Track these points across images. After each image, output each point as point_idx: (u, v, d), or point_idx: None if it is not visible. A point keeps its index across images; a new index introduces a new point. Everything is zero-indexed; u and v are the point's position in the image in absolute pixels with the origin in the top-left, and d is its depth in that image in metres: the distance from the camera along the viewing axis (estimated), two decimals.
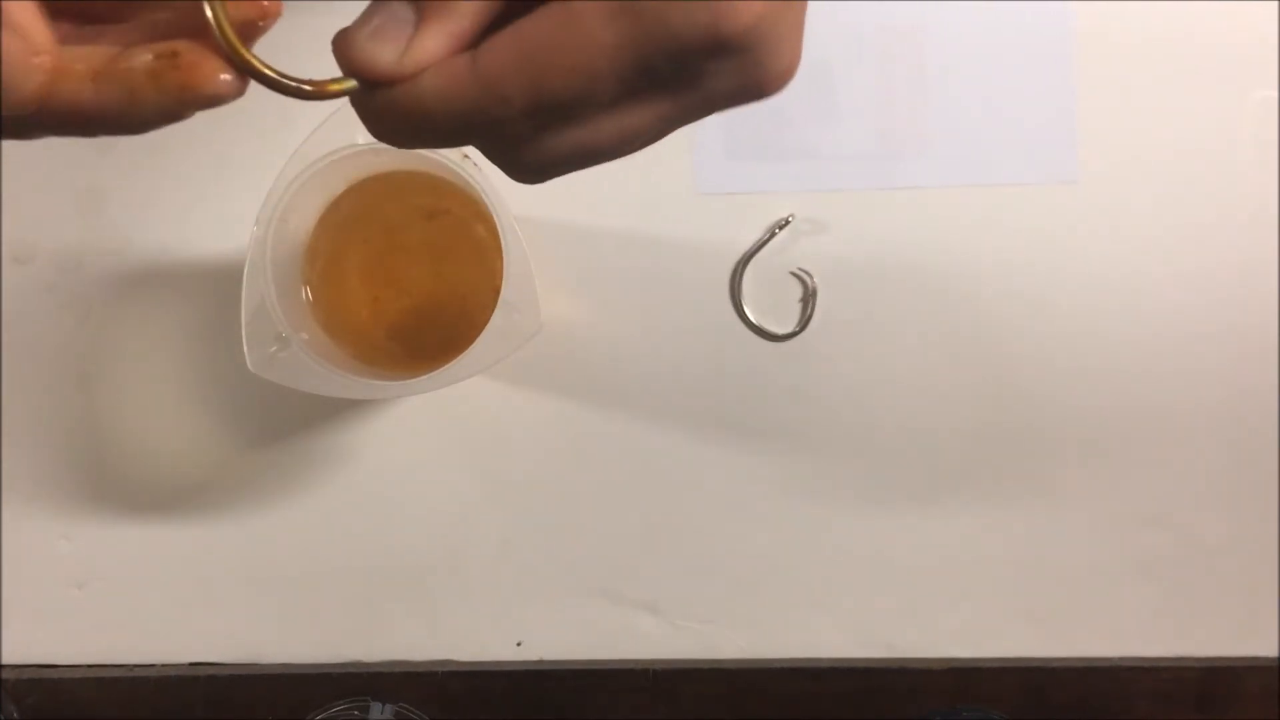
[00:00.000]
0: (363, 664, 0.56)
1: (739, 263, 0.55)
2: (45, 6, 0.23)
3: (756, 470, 0.55)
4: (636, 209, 0.55)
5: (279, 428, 0.56)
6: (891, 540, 0.55)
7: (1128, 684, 0.55)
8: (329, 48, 0.24)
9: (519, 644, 0.56)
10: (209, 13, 0.23)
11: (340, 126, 0.45)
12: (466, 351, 0.46)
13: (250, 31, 0.23)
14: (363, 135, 0.25)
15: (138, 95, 0.23)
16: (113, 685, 0.56)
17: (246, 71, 0.23)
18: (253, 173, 0.53)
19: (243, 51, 0.23)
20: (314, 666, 0.56)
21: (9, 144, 0.56)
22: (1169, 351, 0.54)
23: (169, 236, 0.56)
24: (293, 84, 0.23)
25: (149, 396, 0.56)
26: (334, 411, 0.55)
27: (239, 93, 0.23)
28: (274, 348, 0.47)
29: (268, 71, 0.23)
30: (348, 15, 0.24)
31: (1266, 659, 0.54)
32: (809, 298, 0.55)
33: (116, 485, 0.56)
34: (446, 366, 0.46)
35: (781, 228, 0.55)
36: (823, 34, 0.55)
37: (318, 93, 0.23)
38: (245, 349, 0.47)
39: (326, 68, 0.24)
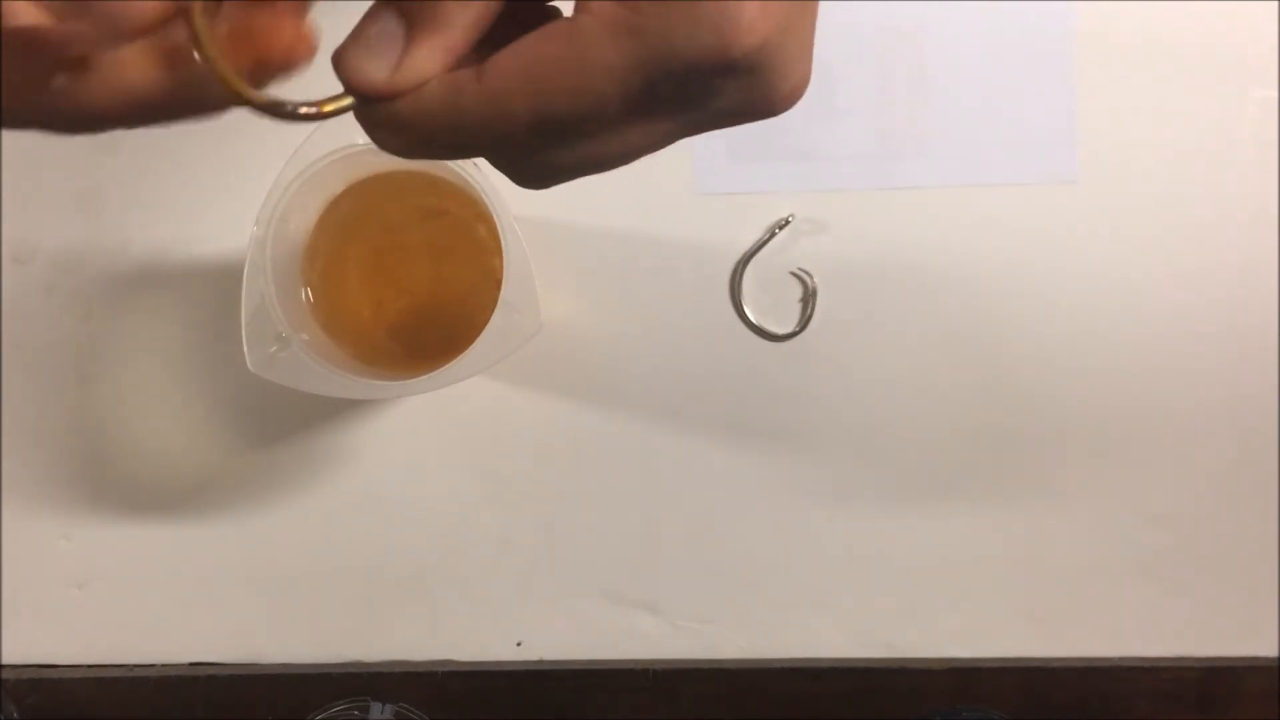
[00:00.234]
0: (363, 664, 0.56)
1: (739, 263, 0.55)
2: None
3: (756, 470, 0.55)
4: (636, 209, 0.55)
5: (279, 428, 0.56)
6: (891, 540, 0.55)
7: (1128, 684, 0.55)
8: (329, 52, 0.24)
9: (519, 644, 0.56)
10: (193, 26, 0.21)
11: (340, 127, 0.45)
12: (466, 351, 0.46)
13: (263, 73, 0.23)
14: (362, 136, 0.24)
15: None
16: (113, 685, 0.56)
17: (236, 101, 0.22)
18: (252, 173, 0.53)
19: (229, 78, 0.22)
20: (314, 666, 0.56)
21: (9, 144, 0.56)
22: (1169, 351, 0.54)
23: (169, 236, 0.56)
24: (288, 107, 0.22)
25: (149, 396, 0.56)
26: (334, 411, 0.55)
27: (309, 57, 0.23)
28: (274, 348, 0.47)
29: (260, 99, 0.22)
30: (353, 15, 0.24)
31: (1266, 659, 0.54)
32: (809, 298, 0.55)
33: (116, 485, 0.56)
34: (446, 366, 0.46)
35: (781, 228, 0.55)
36: (823, 34, 0.54)
37: (317, 114, 0.23)
38: (245, 349, 0.47)
39: (330, 75, 0.24)
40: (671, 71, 0.22)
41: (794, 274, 0.55)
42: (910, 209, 0.55)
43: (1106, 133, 0.55)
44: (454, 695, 0.56)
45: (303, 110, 0.23)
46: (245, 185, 0.49)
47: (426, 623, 0.56)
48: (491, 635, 0.56)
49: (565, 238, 0.55)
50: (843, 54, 0.55)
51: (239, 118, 0.24)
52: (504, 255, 0.46)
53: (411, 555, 0.56)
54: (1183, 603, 0.55)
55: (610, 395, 0.55)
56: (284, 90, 0.23)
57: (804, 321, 0.55)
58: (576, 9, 0.22)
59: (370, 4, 0.24)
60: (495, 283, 0.46)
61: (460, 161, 0.46)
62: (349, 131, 0.45)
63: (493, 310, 0.46)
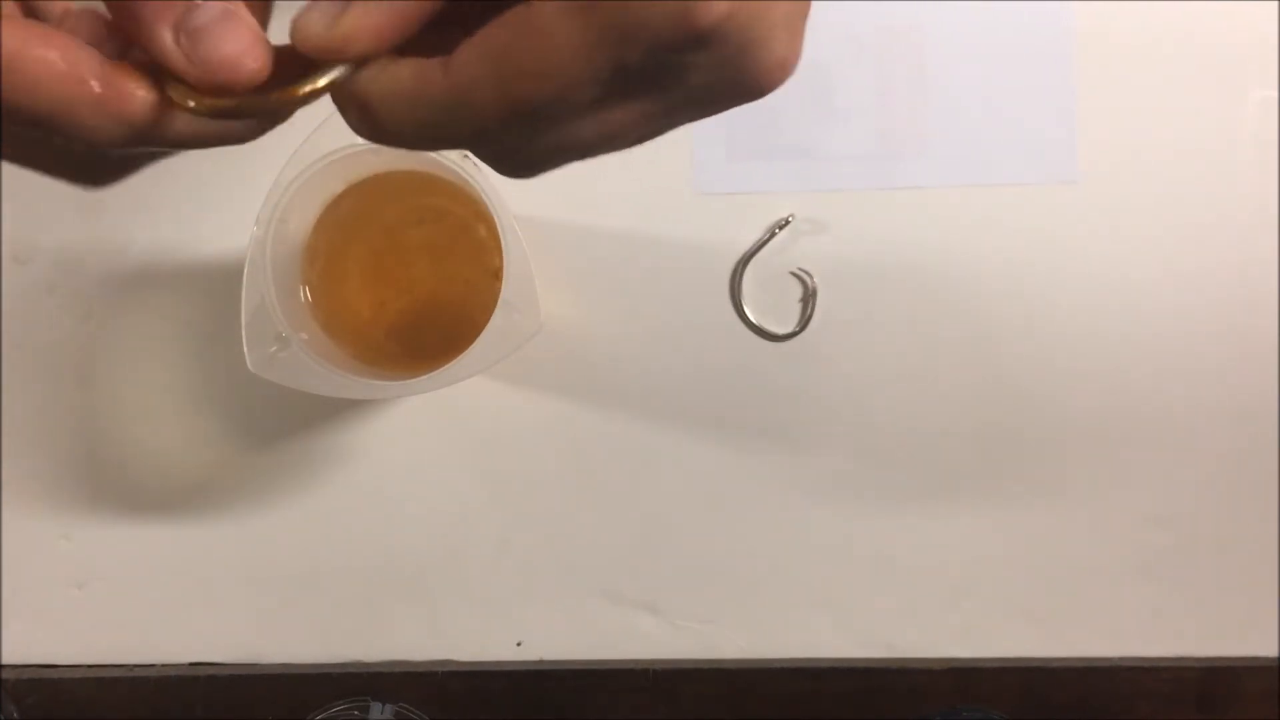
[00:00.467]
0: (363, 664, 0.56)
1: (739, 263, 0.55)
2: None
3: (756, 470, 0.55)
4: (636, 209, 0.55)
5: (279, 428, 0.56)
6: (891, 540, 0.55)
7: (1128, 684, 0.55)
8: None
9: (519, 644, 0.56)
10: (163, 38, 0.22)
11: (340, 126, 0.45)
12: (466, 351, 0.46)
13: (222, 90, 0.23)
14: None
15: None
16: (113, 685, 0.56)
17: (205, 112, 0.22)
18: (252, 173, 0.53)
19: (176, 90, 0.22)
20: (314, 666, 0.56)
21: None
22: (1169, 351, 0.54)
23: (169, 236, 0.56)
24: (256, 100, 0.23)
25: (149, 396, 0.56)
26: (334, 411, 0.55)
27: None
28: (274, 348, 0.47)
29: (225, 103, 0.22)
30: None
31: (1266, 659, 0.54)
32: (809, 298, 0.55)
33: (116, 485, 0.56)
34: (446, 366, 0.46)
35: (781, 228, 0.55)
36: (822, 34, 0.55)
37: (291, 98, 0.23)
38: (245, 349, 0.47)
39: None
40: (635, 46, 0.21)
41: (794, 274, 0.55)
42: (910, 209, 0.55)
43: (1106, 133, 0.55)
44: (454, 695, 0.56)
45: (274, 96, 0.23)
46: (245, 185, 0.49)
47: (426, 623, 0.56)
48: (491, 635, 0.56)
49: (565, 238, 0.55)
50: (842, 54, 0.55)
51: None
52: (504, 255, 0.46)
53: (411, 555, 0.56)
54: (1183, 603, 0.55)
55: (610, 395, 0.55)
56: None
57: (804, 321, 0.55)
58: None
59: None
60: (495, 283, 0.46)
61: (460, 161, 0.46)
62: (349, 132, 0.45)
63: (493, 310, 0.46)
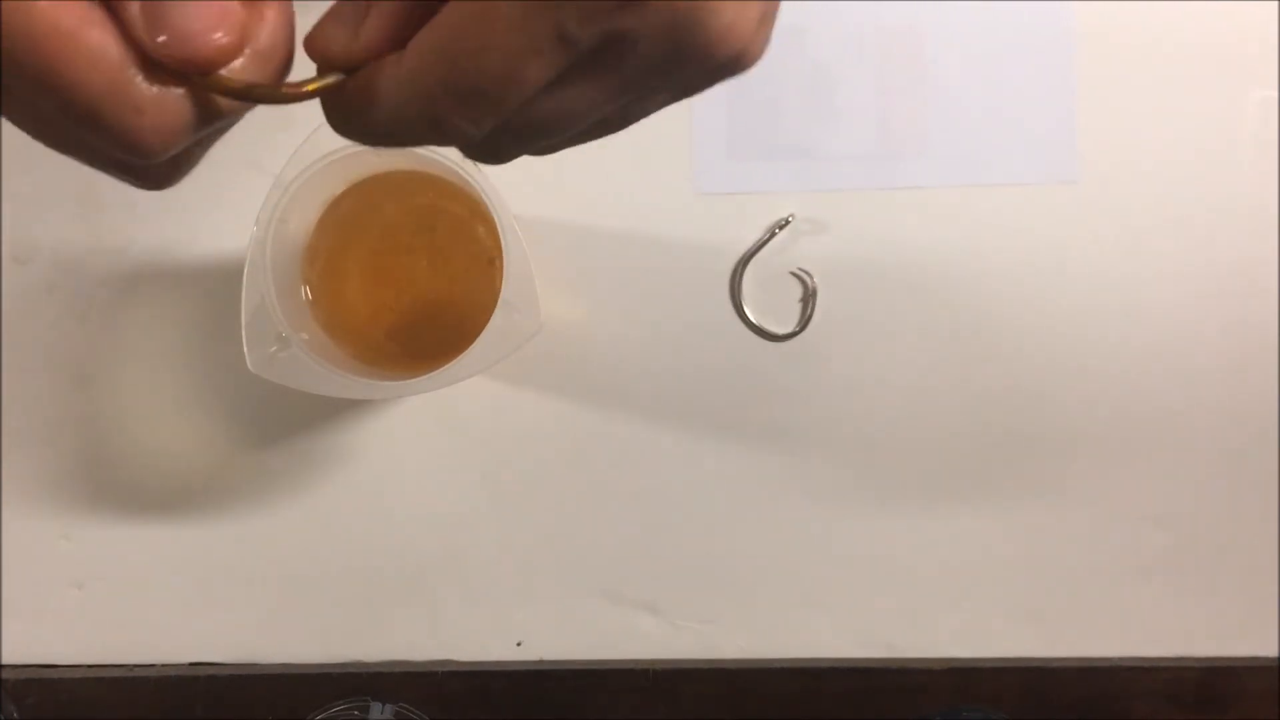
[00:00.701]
0: (363, 664, 0.56)
1: (739, 263, 0.55)
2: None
3: (756, 470, 0.55)
4: (636, 209, 0.55)
5: (279, 428, 0.56)
6: (891, 540, 0.55)
7: (1128, 684, 0.55)
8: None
9: (519, 644, 0.56)
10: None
11: None
12: (466, 351, 0.46)
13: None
14: None
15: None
16: (113, 685, 0.56)
17: (207, 88, 0.22)
18: (252, 173, 0.53)
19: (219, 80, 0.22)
20: (314, 666, 0.56)
21: (9, 144, 0.56)
22: (1169, 351, 0.54)
23: (169, 236, 0.56)
24: (264, 90, 0.22)
25: (149, 396, 0.56)
26: (334, 411, 0.55)
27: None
28: (274, 348, 0.47)
29: (233, 84, 0.22)
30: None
31: (1266, 659, 0.54)
32: (809, 298, 0.55)
33: (116, 485, 0.56)
34: (446, 366, 0.46)
35: (781, 228, 0.55)
36: (822, 34, 0.55)
37: (296, 94, 0.23)
38: (245, 349, 0.47)
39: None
40: (571, 12, 0.21)
41: (794, 274, 0.55)
42: (910, 209, 0.55)
43: (1106, 133, 0.55)
44: (454, 695, 0.56)
45: (284, 90, 0.23)
46: (245, 185, 0.49)
47: (426, 623, 0.56)
48: (491, 635, 0.56)
49: (565, 238, 0.55)
50: (842, 54, 0.55)
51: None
52: (504, 255, 0.46)
53: (411, 555, 0.56)
54: (1183, 603, 0.55)
55: (610, 395, 0.55)
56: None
57: (804, 321, 0.55)
58: None
59: None
60: (495, 282, 0.46)
61: (460, 161, 0.46)
62: None
63: (493, 310, 0.46)
